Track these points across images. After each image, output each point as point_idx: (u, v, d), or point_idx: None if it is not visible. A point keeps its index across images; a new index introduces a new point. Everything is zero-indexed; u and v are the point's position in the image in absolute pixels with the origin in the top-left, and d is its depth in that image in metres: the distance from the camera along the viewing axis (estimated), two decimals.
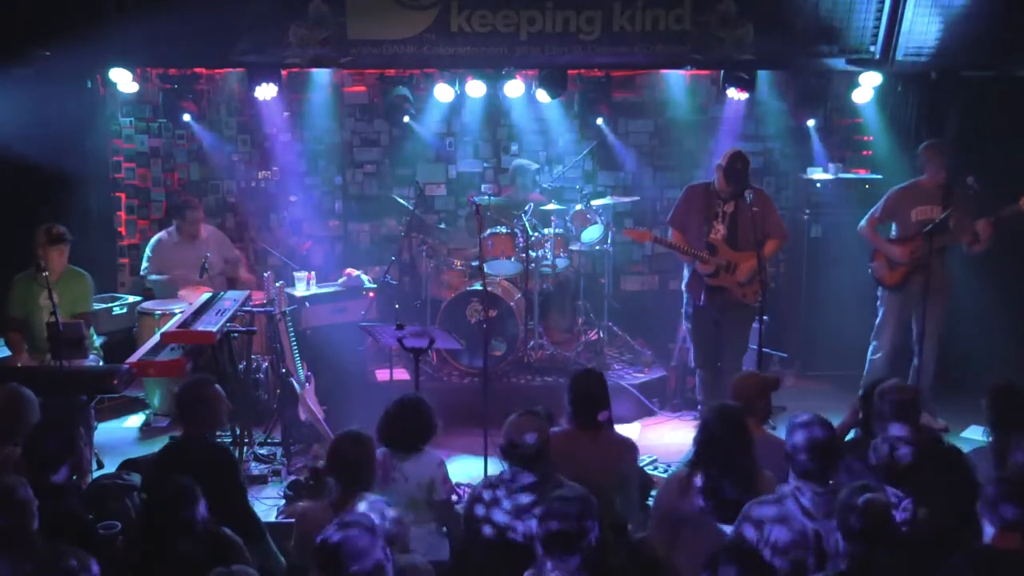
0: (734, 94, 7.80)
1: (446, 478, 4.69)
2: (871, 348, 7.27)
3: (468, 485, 5.80)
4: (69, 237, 6.66)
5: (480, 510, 4.08)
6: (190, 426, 4.69)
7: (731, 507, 3.94)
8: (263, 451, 6.61)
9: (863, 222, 7.21)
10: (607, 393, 4.78)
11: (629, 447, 4.79)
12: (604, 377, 4.92)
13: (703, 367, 6.94)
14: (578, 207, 7.90)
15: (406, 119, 8.18)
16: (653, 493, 5.05)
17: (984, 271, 7.28)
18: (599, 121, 8.60)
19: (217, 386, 4.78)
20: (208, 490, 3.79)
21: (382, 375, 7.31)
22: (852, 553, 3.41)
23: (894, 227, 7.16)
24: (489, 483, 4.17)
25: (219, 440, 6.08)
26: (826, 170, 8.34)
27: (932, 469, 4.00)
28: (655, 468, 6.34)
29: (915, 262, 6.89)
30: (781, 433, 4.31)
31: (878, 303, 7.25)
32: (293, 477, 6.06)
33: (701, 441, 4.20)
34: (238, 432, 6.37)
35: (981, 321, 7.42)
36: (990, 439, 4.67)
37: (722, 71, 7.80)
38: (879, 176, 8.12)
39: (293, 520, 4.69)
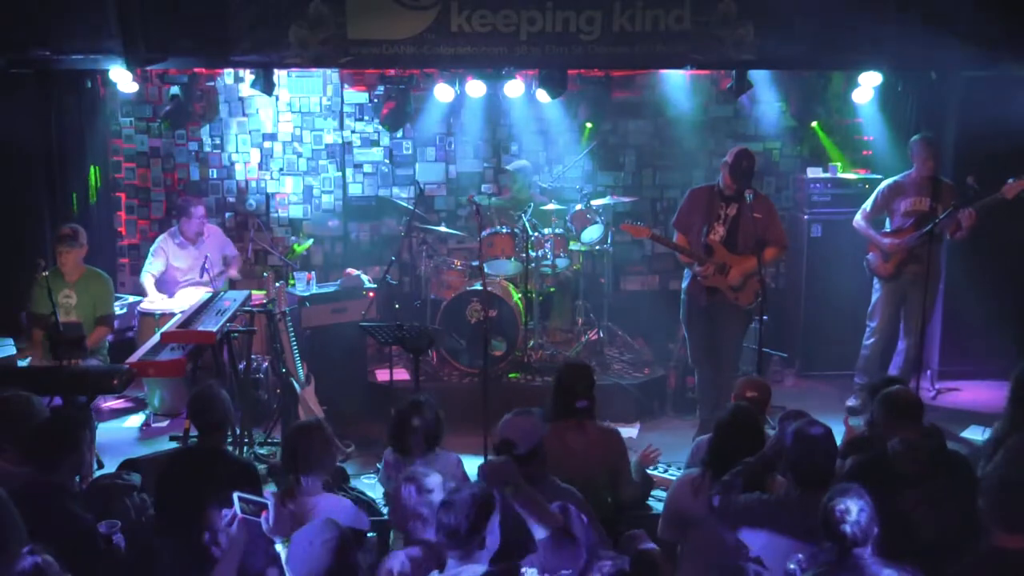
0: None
1: (466, 478, 4.47)
2: (866, 332, 7.45)
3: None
4: (77, 240, 6.63)
5: None
6: (212, 434, 4.61)
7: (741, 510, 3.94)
8: (263, 451, 6.60)
9: (857, 216, 7.38)
10: (591, 385, 4.76)
11: (614, 436, 4.79)
12: (590, 370, 4.92)
13: (699, 364, 6.95)
14: (578, 207, 7.88)
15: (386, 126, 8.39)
16: (654, 493, 5.08)
17: (982, 266, 7.38)
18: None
19: (224, 391, 4.74)
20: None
21: (382, 375, 7.30)
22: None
23: (888, 221, 7.30)
24: None
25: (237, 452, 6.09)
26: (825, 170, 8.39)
27: (939, 473, 3.98)
28: (655, 468, 6.31)
29: (907, 253, 7.08)
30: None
31: (873, 290, 7.41)
32: None
33: (715, 443, 4.20)
34: (238, 432, 6.37)
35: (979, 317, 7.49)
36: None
37: (734, 71, 7.77)
38: (879, 176, 8.09)
39: None
